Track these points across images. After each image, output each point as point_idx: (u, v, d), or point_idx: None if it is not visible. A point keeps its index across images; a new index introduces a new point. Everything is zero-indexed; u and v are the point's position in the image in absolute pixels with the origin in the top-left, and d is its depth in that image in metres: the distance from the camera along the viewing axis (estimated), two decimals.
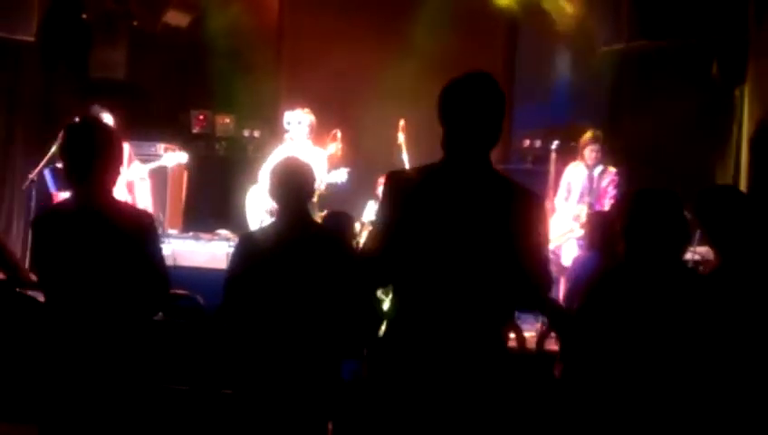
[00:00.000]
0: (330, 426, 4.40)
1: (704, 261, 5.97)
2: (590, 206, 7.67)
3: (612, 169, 7.79)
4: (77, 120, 3.69)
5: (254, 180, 7.87)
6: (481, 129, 3.05)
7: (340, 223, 5.28)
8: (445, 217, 2.99)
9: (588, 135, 7.80)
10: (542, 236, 3.12)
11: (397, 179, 3.15)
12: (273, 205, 7.50)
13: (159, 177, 8.46)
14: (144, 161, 8.10)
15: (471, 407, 2.99)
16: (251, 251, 4.25)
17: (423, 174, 3.12)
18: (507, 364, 3.10)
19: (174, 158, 7.99)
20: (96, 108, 7.35)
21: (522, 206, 3.04)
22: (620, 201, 3.89)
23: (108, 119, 6.91)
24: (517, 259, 2.97)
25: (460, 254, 2.97)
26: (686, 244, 3.46)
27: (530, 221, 3.03)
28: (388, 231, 3.07)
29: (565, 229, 7.80)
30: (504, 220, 3.00)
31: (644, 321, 3.25)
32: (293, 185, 4.23)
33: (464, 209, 2.99)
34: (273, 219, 5.29)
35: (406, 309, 3.06)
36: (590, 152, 7.79)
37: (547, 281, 3.12)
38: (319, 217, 6.08)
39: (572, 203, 7.85)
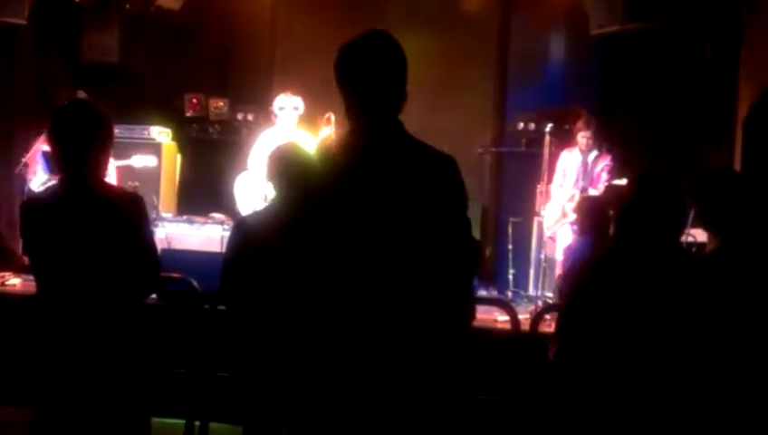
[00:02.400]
0: None
1: (697, 243, 5.99)
2: (584, 191, 7.69)
3: (607, 155, 7.81)
4: (65, 102, 3.66)
5: (244, 165, 7.88)
6: (387, 89, 2.88)
7: None
8: (359, 192, 2.85)
9: (580, 122, 7.81)
10: (460, 196, 2.93)
11: (320, 153, 3.08)
12: (269, 191, 7.54)
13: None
14: (137, 145, 8.09)
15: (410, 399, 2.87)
16: (248, 235, 4.25)
17: (339, 146, 3.00)
18: (455, 345, 3.01)
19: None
20: (81, 93, 7.31)
21: (438, 169, 2.89)
22: (614, 185, 3.89)
23: None
24: (440, 225, 2.84)
25: (383, 225, 2.83)
26: (683, 227, 3.46)
27: (444, 185, 2.88)
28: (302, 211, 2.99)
29: (560, 215, 7.82)
30: (421, 186, 2.85)
31: (643, 304, 3.24)
32: (293, 169, 4.24)
33: (380, 178, 2.85)
34: (267, 204, 5.29)
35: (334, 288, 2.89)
36: (582, 138, 7.81)
37: (467, 248, 2.97)
38: None
39: (567, 188, 7.86)
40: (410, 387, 2.86)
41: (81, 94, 7.24)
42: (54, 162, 3.61)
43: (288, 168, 4.27)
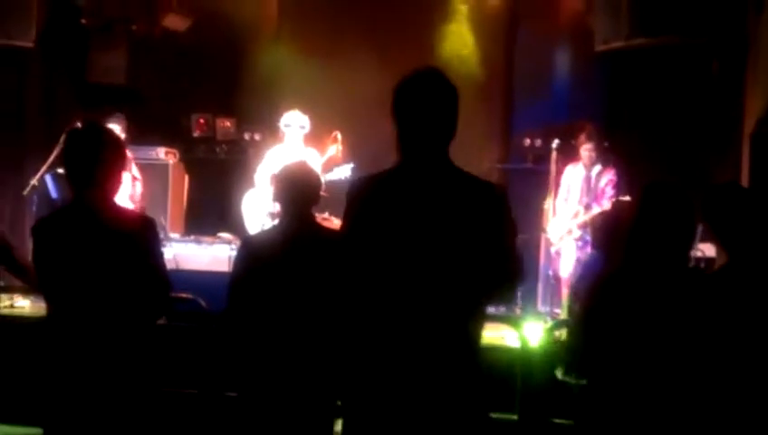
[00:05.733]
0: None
1: (706, 258, 5.98)
2: (588, 206, 7.66)
3: (611, 169, 7.77)
4: (79, 125, 3.69)
5: (251, 184, 7.90)
6: (437, 125, 3.01)
7: None
8: (406, 221, 2.95)
9: (582, 135, 7.79)
10: (508, 228, 3.03)
11: (357, 187, 3.11)
12: (275, 208, 7.56)
13: (161, 181, 8.48)
14: (145, 166, 8.11)
15: (442, 419, 2.95)
16: (255, 254, 4.26)
17: (381, 178, 3.09)
18: (479, 370, 3.04)
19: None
20: (112, 118, 7.38)
21: (484, 200, 3.00)
22: (624, 201, 3.87)
23: (116, 128, 6.90)
24: (483, 256, 2.93)
25: (425, 256, 2.92)
26: (693, 242, 3.44)
27: (493, 216, 2.98)
28: (359, 237, 3.02)
29: (564, 231, 7.80)
30: (468, 216, 2.95)
31: (652, 321, 3.23)
32: (299, 189, 4.25)
33: (424, 210, 2.95)
34: (274, 223, 5.29)
35: (371, 315, 3.00)
36: (584, 151, 7.78)
37: (516, 274, 3.06)
38: (320, 218, 6.09)
39: (572, 204, 7.84)
40: (432, 403, 2.93)
41: (110, 120, 7.28)
42: (67, 183, 3.63)
43: (292, 187, 4.27)
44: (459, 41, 9.31)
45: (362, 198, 3.06)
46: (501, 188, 3.08)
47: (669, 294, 3.26)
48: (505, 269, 3.01)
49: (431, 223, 2.94)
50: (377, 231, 2.97)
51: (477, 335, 3.08)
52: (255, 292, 4.17)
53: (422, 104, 3.01)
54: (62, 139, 3.65)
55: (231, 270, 4.48)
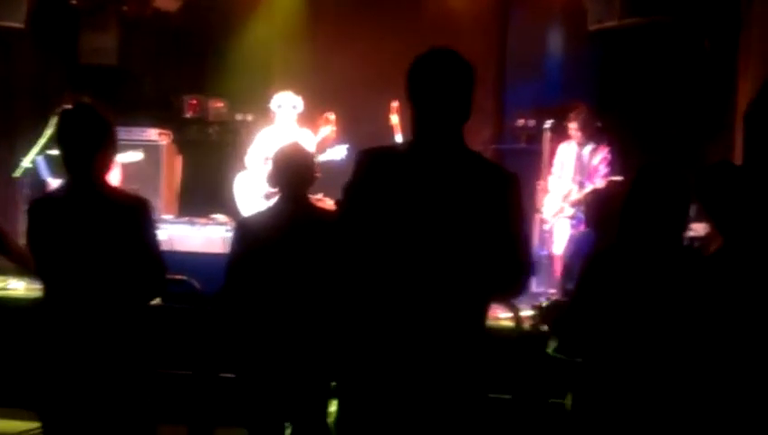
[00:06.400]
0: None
1: (699, 237, 5.98)
2: (581, 184, 7.66)
3: (604, 147, 7.77)
4: (70, 106, 3.69)
5: (243, 166, 7.88)
6: (450, 105, 2.97)
7: None
8: (417, 200, 2.89)
9: (570, 115, 7.77)
10: (520, 216, 2.99)
11: (366, 159, 3.03)
12: (269, 189, 7.55)
13: (153, 163, 8.44)
14: (136, 148, 8.07)
15: (447, 407, 2.92)
16: (252, 235, 4.26)
17: (395, 154, 3.06)
18: (485, 357, 2.99)
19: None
20: (85, 98, 7.30)
21: (497, 185, 2.95)
22: (617, 180, 3.87)
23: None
24: (494, 242, 2.88)
25: (434, 238, 2.87)
26: (687, 221, 3.44)
27: (505, 201, 2.94)
28: (362, 213, 2.97)
29: (557, 209, 7.81)
30: (479, 201, 2.90)
31: (645, 300, 3.24)
32: (294, 170, 4.25)
33: (436, 191, 2.90)
34: (269, 204, 5.29)
35: (376, 295, 2.94)
36: (571, 130, 7.77)
37: (526, 264, 3.00)
38: (314, 199, 6.09)
39: (565, 181, 7.85)
40: (432, 390, 2.89)
41: (85, 100, 7.22)
42: (61, 164, 3.62)
43: (290, 168, 4.27)
44: (452, 20, 9.28)
45: (370, 171, 2.99)
46: (514, 175, 3.00)
47: (664, 273, 3.27)
48: (513, 257, 2.94)
49: (438, 204, 2.89)
50: (382, 208, 2.92)
51: (479, 322, 3.00)
52: (252, 273, 4.18)
53: (437, 83, 2.96)
54: (53, 120, 3.63)
55: (228, 251, 4.48)
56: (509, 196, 2.96)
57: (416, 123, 3.00)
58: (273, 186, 4.43)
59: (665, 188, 3.32)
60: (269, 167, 4.42)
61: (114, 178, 7.51)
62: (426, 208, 2.89)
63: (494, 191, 2.94)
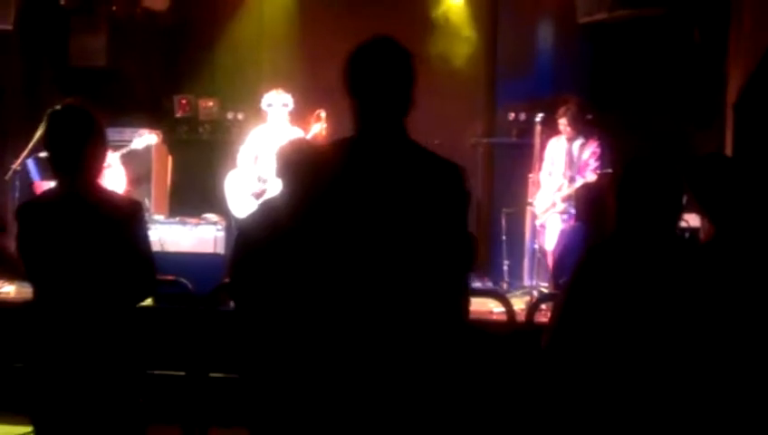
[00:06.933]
0: None
1: (690, 228, 5.99)
2: (571, 179, 7.66)
3: (594, 141, 7.76)
4: (59, 107, 3.66)
5: (234, 165, 7.87)
6: (392, 96, 2.90)
7: None
8: (359, 195, 2.86)
9: (560, 110, 7.77)
10: (459, 210, 2.94)
11: (305, 153, 3.02)
12: (259, 187, 7.54)
13: (144, 162, 8.42)
14: (127, 147, 8.05)
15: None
16: (253, 233, 4.25)
17: (336, 149, 3.02)
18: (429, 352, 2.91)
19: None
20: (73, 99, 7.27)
21: (437, 177, 2.90)
22: (609, 173, 3.86)
23: None
24: (431, 235, 2.85)
25: (376, 232, 2.84)
26: (680, 213, 3.44)
27: (445, 194, 2.89)
28: (302, 210, 2.94)
29: (548, 204, 7.81)
30: (417, 193, 2.86)
31: (640, 294, 3.22)
32: (301, 164, 4.23)
33: (375, 183, 2.86)
34: (259, 202, 5.28)
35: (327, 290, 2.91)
36: (561, 125, 7.78)
37: (466, 257, 2.98)
38: None
39: (556, 177, 7.85)
40: (409, 383, 2.86)
41: (72, 100, 7.20)
42: (50, 166, 3.60)
43: (298, 163, 4.26)
44: (443, 14, 9.27)
45: (310, 163, 2.98)
46: (458, 166, 2.94)
47: (658, 265, 3.26)
48: (459, 240, 2.91)
49: (380, 197, 2.86)
50: (323, 202, 2.89)
51: (432, 317, 2.92)
52: (257, 270, 4.16)
53: (375, 73, 2.90)
54: (42, 122, 3.61)
55: (233, 244, 4.46)
56: (449, 188, 2.91)
57: (358, 116, 2.95)
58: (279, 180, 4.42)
59: (656, 180, 3.31)
60: (275, 162, 4.38)
61: (119, 179, 7.54)
62: (369, 202, 2.86)
63: (434, 183, 2.89)
